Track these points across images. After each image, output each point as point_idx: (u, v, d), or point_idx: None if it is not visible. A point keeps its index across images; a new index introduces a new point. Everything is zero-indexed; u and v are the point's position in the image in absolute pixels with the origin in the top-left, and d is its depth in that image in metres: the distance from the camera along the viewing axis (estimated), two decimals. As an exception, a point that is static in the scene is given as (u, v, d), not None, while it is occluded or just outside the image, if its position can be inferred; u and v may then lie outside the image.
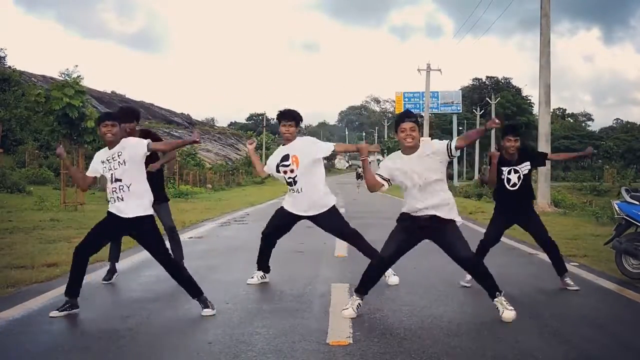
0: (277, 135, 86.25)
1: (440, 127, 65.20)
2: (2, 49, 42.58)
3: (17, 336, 4.01)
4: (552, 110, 18.05)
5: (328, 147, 5.36)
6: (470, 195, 26.74)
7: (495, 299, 4.41)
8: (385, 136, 76.74)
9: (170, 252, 4.83)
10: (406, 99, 49.39)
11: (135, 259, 7.20)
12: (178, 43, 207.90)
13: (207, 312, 4.48)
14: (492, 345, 3.82)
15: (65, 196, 15.51)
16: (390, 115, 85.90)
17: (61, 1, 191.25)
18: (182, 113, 78.27)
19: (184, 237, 9.44)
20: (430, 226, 4.38)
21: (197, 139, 4.60)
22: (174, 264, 4.64)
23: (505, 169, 5.49)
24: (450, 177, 47.22)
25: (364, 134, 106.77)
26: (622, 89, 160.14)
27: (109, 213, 4.53)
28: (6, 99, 30.20)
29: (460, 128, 57.58)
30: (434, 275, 6.20)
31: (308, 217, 5.44)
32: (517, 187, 5.48)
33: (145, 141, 4.52)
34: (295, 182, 5.31)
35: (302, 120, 5.49)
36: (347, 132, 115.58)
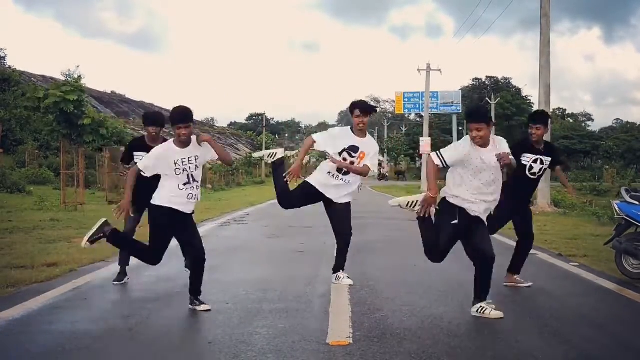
0: (276, 135, 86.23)
1: (440, 127, 65.17)
2: (2, 49, 42.55)
3: (17, 336, 4.01)
4: (552, 110, 18.07)
5: (374, 165, 5.54)
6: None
7: (482, 303, 4.47)
8: (385, 136, 76.66)
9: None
10: (406, 99, 49.41)
11: (135, 259, 7.20)
12: (178, 43, 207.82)
13: (204, 307, 4.64)
14: (492, 345, 3.82)
15: (65, 196, 15.50)
16: (390, 115, 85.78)
17: (60, 0, 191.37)
18: (182, 113, 78.03)
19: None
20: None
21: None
22: (201, 256, 4.73)
23: (531, 157, 5.57)
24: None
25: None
26: (622, 89, 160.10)
27: (172, 209, 4.54)
28: (6, 99, 30.19)
29: (460, 128, 57.56)
30: (434, 275, 6.20)
31: (328, 202, 5.52)
32: (535, 176, 5.61)
33: (213, 150, 4.65)
34: (348, 174, 5.43)
35: (375, 112, 5.70)
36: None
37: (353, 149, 5.44)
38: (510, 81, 75.38)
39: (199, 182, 4.67)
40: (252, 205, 18.28)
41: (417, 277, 6.09)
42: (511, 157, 4.48)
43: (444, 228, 4.56)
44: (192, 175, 4.58)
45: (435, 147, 62.74)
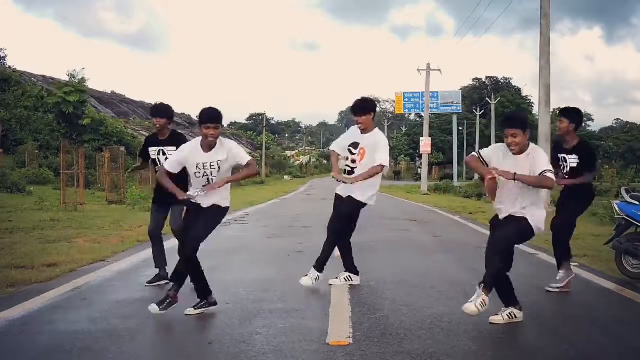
0: (276, 135, 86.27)
1: (440, 128, 65.17)
2: (2, 49, 42.49)
3: (17, 336, 4.01)
4: (552, 110, 18.04)
5: (384, 160, 5.32)
6: (470, 195, 26.70)
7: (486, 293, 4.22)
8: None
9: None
10: (406, 99, 49.31)
11: (135, 259, 7.21)
12: (177, 42, 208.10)
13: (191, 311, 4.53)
14: (492, 345, 3.82)
15: (65, 196, 15.50)
16: (390, 115, 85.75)
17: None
18: (182, 113, 78.17)
19: (184, 237, 9.45)
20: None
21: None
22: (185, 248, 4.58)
23: (560, 156, 5.64)
24: (449, 177, 47.28)
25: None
26: (623, 89, 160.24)
27: (191, 203, 4.53)
28: (6, 99, 30.17)
29: (460, 128, 57.56)
30: (434, 275, 6.20)
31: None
32: (567, 175, 5.62)
33: (246, 159, 4.55)
34: (352, 173, 5.37)
35: (370, 108, 5.45)
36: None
37: (354, 146, 5.41)
38: (510, 81, 75.41)
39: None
40: (252, 205, 18.26)
41: (417, 277, 6.08)
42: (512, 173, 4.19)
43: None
44: (211, 179, 4.49)
45: (435, 147, 62.37)
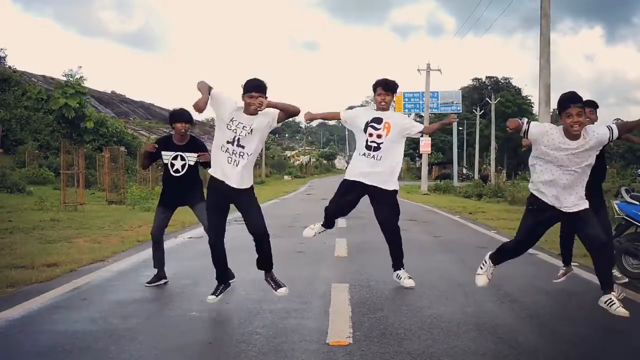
0: (276, 135, 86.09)
1: (440, 127, 65.09)
2: (2, 49, 42.49)
3: (17, 336, 4.01)
4: (552, 110, 17.97)
5: (418, 127, 5.45)
6: (470, 195, 26.70)
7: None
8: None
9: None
10: (406, 99, 49.29)
11: (135, 259, 7.21)
12: (178, 42, 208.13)
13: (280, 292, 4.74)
14: (492, 345, 3.82)
15: (65, 196, 15.50)
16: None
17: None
18: (182, 113, 78.03)
19: (184, 237, 9.46)
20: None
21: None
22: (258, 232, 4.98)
23: None
24: (449, 177, 47.21)
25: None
26: (623, 89, 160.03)
27: (219, 184, 4.58)
28: (6, 99, 30.17)
29: (460, 128, 57.55)
30: (434, 275, 6.20)
31: (369, 191, 5.39)
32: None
33: (272, 117, 4.57)
34: (378, 149, 5.29)
35: (396, 90, 5.54)
36: (347, 132, 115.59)
37: (376, 121, 5.33)
38: (510, 81, 75.34)
39: (247, 153, 4.49)
40: (252, 205, 18.24)
41: (417, 277, 6.08)
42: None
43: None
44: (238, 138, 4.45)
45: (435, 147, 62.11)
